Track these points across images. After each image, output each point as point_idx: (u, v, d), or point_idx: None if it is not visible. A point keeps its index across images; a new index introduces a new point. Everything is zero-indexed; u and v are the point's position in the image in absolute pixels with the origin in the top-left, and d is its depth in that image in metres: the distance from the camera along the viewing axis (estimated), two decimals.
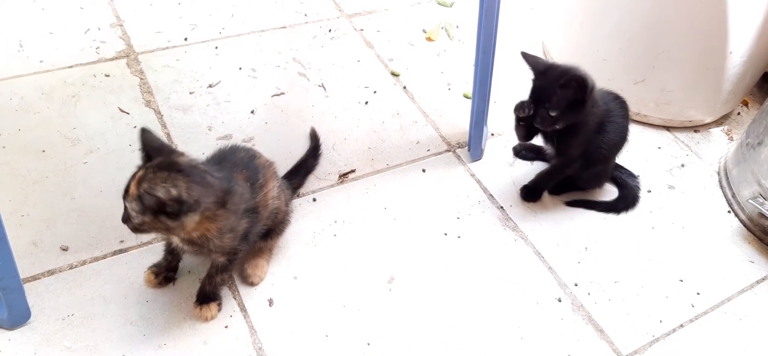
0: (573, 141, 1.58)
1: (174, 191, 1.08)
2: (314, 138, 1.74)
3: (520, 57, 1.56)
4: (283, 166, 1.62)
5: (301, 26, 2.19)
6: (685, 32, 1.84)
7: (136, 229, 1.14)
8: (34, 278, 1.36)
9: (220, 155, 1.33)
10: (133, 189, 1.12)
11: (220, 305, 1.35)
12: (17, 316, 1.27)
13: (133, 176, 1.13)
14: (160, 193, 1.08)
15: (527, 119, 1.57)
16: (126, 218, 1.15)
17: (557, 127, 1.53)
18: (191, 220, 1.14)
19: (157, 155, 1.16)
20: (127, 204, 1.13)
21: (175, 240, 1.24)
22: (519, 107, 1.56)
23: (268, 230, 1.39)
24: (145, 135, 1.17)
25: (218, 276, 1.31)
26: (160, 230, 1.16)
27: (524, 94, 1.56)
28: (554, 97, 1.48)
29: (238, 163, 1.29)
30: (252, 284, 1.42)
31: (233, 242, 1.24)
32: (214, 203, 1.16)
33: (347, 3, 2.33)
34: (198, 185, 1.12)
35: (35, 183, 1.54)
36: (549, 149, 1.67)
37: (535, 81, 1.55)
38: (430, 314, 1.43)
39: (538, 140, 1.69)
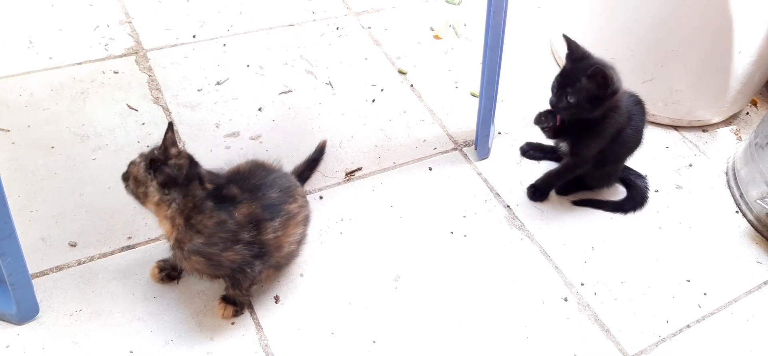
0: (591, 142, 1.58)
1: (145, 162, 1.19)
2: (319, 150, 1.72)
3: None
4: (289, 163, 1.62)
5: (309, 24, 2.19)
6: (694, 31, 1.83)
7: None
8: (43, 273, 1.37)
9: (245, 174, 1.31)
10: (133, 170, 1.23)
11: (238, 311, 1.35)
12: (26, 311, 1.28)
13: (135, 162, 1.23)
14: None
15: (551, 127, 1.59)
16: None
17: (571, 113, 1.52)
18: (153, 192, 1.20)
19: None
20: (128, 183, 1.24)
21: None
22: (539, 120, 1.58)
23: (276, 266, 1.38)
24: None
25: (230, 290, 1.32)
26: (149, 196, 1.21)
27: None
28: (578, 84, 1.48)
29: (259, 198, 1.25)
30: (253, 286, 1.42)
31: (207, 268, 1.23)
32: (161, 183, 1.19)
33: (355, 1, 2.33)
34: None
35: (44, 179, 1.55)
36: (564, 148, 1.66)
37: (566, 65, 1.55)
38: (436, 312, 1.44)
39: (545, 139, 1.69)
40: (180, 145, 1.66)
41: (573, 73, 1.51)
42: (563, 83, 1.52)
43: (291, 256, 1.38)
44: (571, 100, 1.50)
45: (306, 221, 1.38)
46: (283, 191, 1.30)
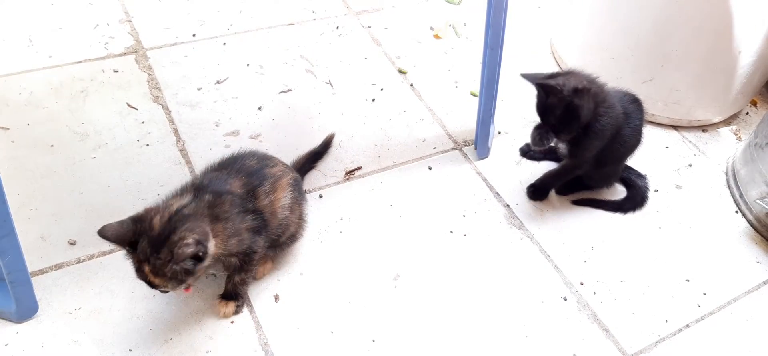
0: (589, 144, 1.58)
1: (192, 243, 1.10)
2: (325, 144, 1.74)
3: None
4: (290, 162, 1.62)
5: (309, 23, 2.19)
6: (694, 31, 1.83)
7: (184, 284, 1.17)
8: (42, 272, 1.37)
9: (228, 160, 1.35)
10: (158, 280, 1.13)
11: (239, 306, 1.36)
12: (25, 309, 1.28)
13: (142, 271, 1.13)
14: (187, 256, 1.10)
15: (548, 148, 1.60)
16: (165, 291, 1.18)
17: (570, 135, 1.53)
18: (213, 247, 1.16)
19: (134, 237, 1.14)
20: (165, 291, 1.17)
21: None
22: (538, 142, 1.56)
23: (274, 241, 1.36)
24: (107, 233, 1.13)
25: (236, 276, 1.31)
26: (203, 273, 1.19)
27: (531, 93, 1.56)
28: (550, 110, 1.49)
29: (240, 170, 1.30)
30: (254, 278, 1.43)
31: (241, 245, 1.24)
32: (210, 222, 1.18)
33: (355, 0, 2.33)
34: (189, 222, 1.13)
35: (44, 178, 1.55)
36: (563, 149, 1.66)
37: (541, 102, 1.53)
38: (436, 311, 1.44)
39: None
40: (179, 144, 1.67)
41: (543, 102, 1.51)
42: (543, 115, 1.52)
43: (286, 227, 1.35)
44: (556, 127, 1.50)
45: (293, 186, 1.36)
46: (260, 159, 1.35)
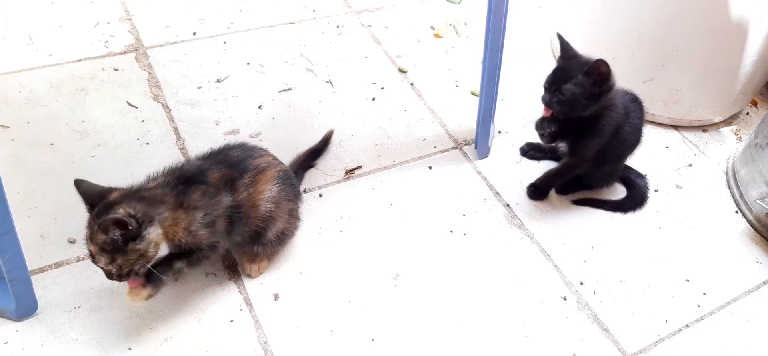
0: (589, 142, 1.57)
1: (122, 213, 1.10)
2: (325, 141, 1.74)
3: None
4: (289, 161, 1.62)
5: (309, 22, 2.19)
6: (694, 31, 1.83)
7: (122, 276, 1.16)
8: (42, 270, 1.37)
9: (215, 151, 1.35)
10: (94, 249, 1.13)
11: (152, 292, 1.23)
12: (24, 308, 1.28)
13: (88, 239, 1.14)
14: (108, 224, 1.10)
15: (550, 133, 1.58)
16: (109, 275, 1.16)
17: (565, 109, 1.50)
18: (155, 233, 1.15)
19: (97, 201, 1.16)
20: (101, 266, 1.15)
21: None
22: (539, 126, 1.57)
23: (258, 235, 1.35)
24: (81, 187, 1.18)
25: (180, 264, 1.24)
26: (138, 259, 1.15)
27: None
28: (572, 81, 1.47)
29: (223, 161, 1.30)
30: (248, 276, 1.43)
31: (211, 236, 1.23)
32: (169, 209, 1.17)
33: None
34: (138, 202, 1.14)
35: (43, 176, 1.55)
36: (563, 147, 1.66)
37: (560, 62, 1.54)
38: (435, 311, 1.44)
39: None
40: (179, 143, 1.67)
41: (567, 70, 1.50)
42: (557, 80, 1.51)
43: (271, 221, 1.34)
44: (566, 95, 1.48)
45: (281, 180, 1.35)
46: (245, 150, 1.34)
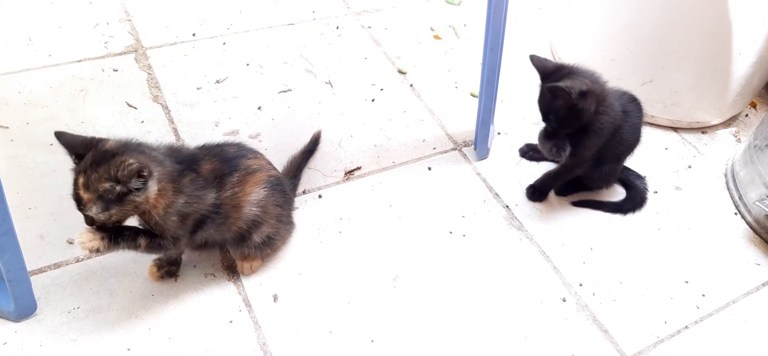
0: (588, 142, 1.57)
1: (134, 165, 1.09)
2: (314, 141, 1.73)
3: (528, 56, 1.56)
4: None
5: (309, 23, 2.19)
6: (694, 33, 1.83)
7: (104, 223, 1.14)
8: (41, 270, 1.37)
9: (212, 145, 1.35)
10: (86, 195, 1.11)
11: (106, 247, 1.19)
12: (23, 308, 1.28)
13: (76, 183, 1.12)
14: (134, 174, 1.09)
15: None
16: (91, 221, 1.15)
17: (569, 130, 1.53)
18: (153, 190, 1.14)
19: (83, 150, 1.14)
20: (87, 212, 1.13)
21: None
22: (554, 153, 1.57)
23: (243, 237, 1.34)
24: (63, 138, 1.15)
25: (141, 240, 1.21)
26: (128, 214, 1.15)
27: (531, 93, 1.56)
28: (555, 110, 1.49)
29: (216, 154, 1.29)
30: (242, 273, 1.43)
31: (177, 228, 1.21)
32: (165, 176, 1.16)
33: (355, 0, 2.33)
34: (140, 155, 1.14)
35: (43, 176, 1.55)
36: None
37: (541, 90, 1.55)
38: (435, 312, 1.44)
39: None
40: (178, 144, 1.67)
41: (546, 98, 1.51)
42: (546, 113, 1.53)
43: (255, 225, 1.32)
44: (556, 125, 1.51)
45: (271, 185, 1.34)
46: (241, 149, 1.34)
